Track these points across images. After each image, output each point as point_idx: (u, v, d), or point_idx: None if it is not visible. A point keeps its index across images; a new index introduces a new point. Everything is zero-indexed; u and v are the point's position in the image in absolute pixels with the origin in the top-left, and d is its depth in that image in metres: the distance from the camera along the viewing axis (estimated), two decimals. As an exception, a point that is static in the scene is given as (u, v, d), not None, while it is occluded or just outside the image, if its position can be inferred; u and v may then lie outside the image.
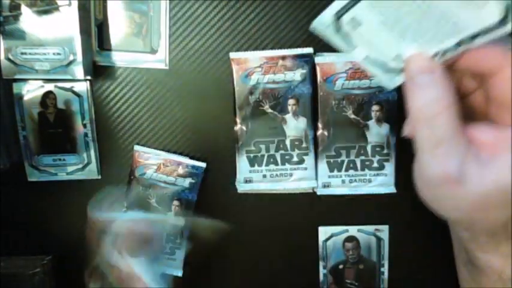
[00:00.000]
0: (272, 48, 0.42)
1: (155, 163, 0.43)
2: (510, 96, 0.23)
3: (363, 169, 0.43)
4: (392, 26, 0.24)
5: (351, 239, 0.45)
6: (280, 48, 0.42)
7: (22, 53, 0.39)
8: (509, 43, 0.23)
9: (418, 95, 0.24)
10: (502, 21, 0.23)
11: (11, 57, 0.40)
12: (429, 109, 0.23)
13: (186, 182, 0.43)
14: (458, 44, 0.23)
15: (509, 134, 0.23)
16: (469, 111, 0.27)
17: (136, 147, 0.44)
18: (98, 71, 0.42)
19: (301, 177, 0.44)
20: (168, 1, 0.41)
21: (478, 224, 0.26)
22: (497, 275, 0.27)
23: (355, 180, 0.44)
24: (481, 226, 0.26)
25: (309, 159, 0.43)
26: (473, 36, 0.23)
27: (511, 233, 0.25)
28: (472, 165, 0.23)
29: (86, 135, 0.43)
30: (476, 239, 0.27)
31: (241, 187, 0.44)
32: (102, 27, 0.42)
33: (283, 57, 0.42)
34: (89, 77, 0.41)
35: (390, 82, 0.26)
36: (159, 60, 0.42)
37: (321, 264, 0.46)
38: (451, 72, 0.25)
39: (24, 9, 0.39)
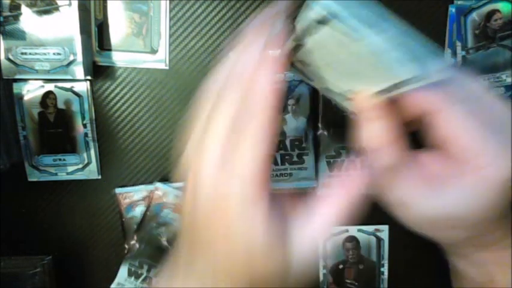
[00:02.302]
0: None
1: (173, 202, 0.44)
2: (444, 139, 0.23)
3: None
4: (336, 67, 0.25)
5: (350, 239, 0.45)
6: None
7: (22, 53, 0.39)
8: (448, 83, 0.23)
9: (365, 128, 0.25)
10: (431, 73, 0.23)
11: (11, 57, 0.40)
12: (374, 141, 0.24)
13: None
14: (397, 86, 0.23)
15: (450, 169, 0.23)
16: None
17: (158, 185, 0.44)
18: (98, 71, 0.43)
19: (301, 177, 0.44)
20: (168, 1, 0.41)
21: (441, 241, 0.27)
22: (471, 280, 0.28)
23: (355, 180, 0.44)
24: (445, 243, 0.27)
25: (309, 159, 0.43)
26: (407, 81, 0.23)
27: (477, 245, 0.26)
28: (419, 192, 0.24)
29: (86, 135, 0.43)
30: (448, 247, 0.28)
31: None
32: (102, 27, 0.42)
33: None
34: (89, 77, 0.41)
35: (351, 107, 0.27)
36: (159, 60, 0.42)
37: (321, 264, 0.46)
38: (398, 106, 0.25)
39: (24, 9, 0.39)
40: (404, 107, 0.24)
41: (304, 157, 0.43)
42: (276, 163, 0.44)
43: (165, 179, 0.44)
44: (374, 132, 0.24)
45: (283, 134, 0.43)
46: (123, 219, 0.45)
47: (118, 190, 0.44)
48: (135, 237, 0.45)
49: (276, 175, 0.44)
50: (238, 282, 0.21)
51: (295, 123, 0.43)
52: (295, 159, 0.44)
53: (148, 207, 0.44)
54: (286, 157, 0.44)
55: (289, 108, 0.42)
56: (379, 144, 0.24)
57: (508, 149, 0.21)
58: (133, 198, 0.44)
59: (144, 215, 0.44)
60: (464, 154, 0.23)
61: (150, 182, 0.44)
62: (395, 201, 0.26)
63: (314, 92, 0.42)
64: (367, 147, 0.25)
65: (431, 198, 0.24)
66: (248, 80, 0.22)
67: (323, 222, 0.23)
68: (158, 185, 0.44)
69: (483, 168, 0.22)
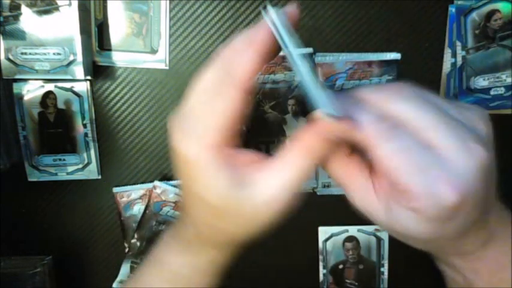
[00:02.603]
0: (272, 48, 0.42)
1: (173, 200, 0.44)
2: (385, 170, 0.23)
3: (363, 169, 0.43)
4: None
5: (350, 239, 0.45)
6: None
7: (22, 53, 0.39)
8: None
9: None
10: None
11: (11, 57, 0.40)
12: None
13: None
14: None
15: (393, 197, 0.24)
16: None
17: (156, 183, 0.44)
18: (98, 71, 0.43)
19: (301, 177, 0.44)
20: (168, 1, 0.41)
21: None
22: (457, 284, 0.28)
23: (355, 180, 0.44)
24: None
25: (309, 159, 0.43)
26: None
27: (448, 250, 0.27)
28: (377, 206, 0.26)
29: (86, 135, 0.43)
30: (430, 252, 0.29)
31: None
32: (102, 27, 0.42)
33: (283, 58, 0.42)
34: (89, 77, 0.41)
35: None
36: (159, 60, 0.42)
37: (321, 264, 0.46)
38: None
39: (24, 9, 0.39)
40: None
41: (304, 157, 0.43)
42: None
43: (165, 179, 0.44)
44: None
45: (283, 133, 0.43)
46: (122, 218, 0.45)
47: (115, 189, 0.44)
48: (136, 236, 0.45)
49: (276, 175, 0.44)
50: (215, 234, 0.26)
51: (295, 123, 0.43)
52: (295, 159, 0.44)
53: (147, 206, 0.44)
54: (286, 157, 0.44)
55: (289, 108, 0.42)
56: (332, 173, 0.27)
57: (435, 186, 0.21)
58: (131, 197, 0.44)
59: (144, 213, 0.44)
60: (396, 187, 0.23)
61: (150, 182, 0.44)
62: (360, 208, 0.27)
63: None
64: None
65: (384, 214, 0.25)
66: (229, 55, 0.23)
67: (289, 170, 0.24)
68: (156, 183, 0.44)
69: (412, 202, 0.22)
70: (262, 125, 0.43)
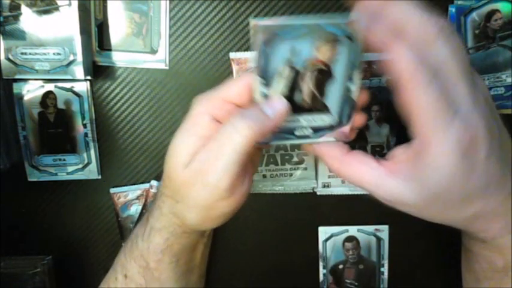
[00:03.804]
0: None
1: None
2: (409, 106, 0.24)
3: (363, 169, 0.43)
4: None
5: (350, 239, 0.45)
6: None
7: (22, 53, 0.39)
8: None
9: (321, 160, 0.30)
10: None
11: (11, 57, 0.40)
12: (333, 169, 0.29)
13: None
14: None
15: (416, 148, 0.25)
16: None
17: (153, 183, 0.44)
18: (98, 71, 0.43)
19: (301, 177, 0.44)
20: (168, 1, 0.41)
21: (451, 223, 0.28)
22: (488, 264, 0.28)
23: (355, 180, 0.44)
24: (455, 224, 0.28)
25: (309, 159, 0.43)
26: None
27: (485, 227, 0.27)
28: (399, 188, 0.26)
29: (86, 135, 0.43)
30: (464, 231, 0.29)
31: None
32: (102, 27, 0.42)
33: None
34: (89, 77, 0.41)
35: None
36: (159, 60, 0.42)
37: (321, 264, 0.46)
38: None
39: (24, 9, 0.39)
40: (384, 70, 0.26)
41: (304, 157, 0.43)
42: (276, 163, 0.44)
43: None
44: (329, 162, 0.29)
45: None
46: (119, 219, 0.45)
47: (112, 190, 0.44)
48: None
49: (276, 175, 0.44)
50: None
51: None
52: (295, 159, 0.44)
53: (144, 206, 0.44)
54: (286, 157, 0.44)
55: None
56: (334, 168, 0.29)
57: (457, 124, 0.23)
58: (128, 197, 0.44)
59: (141, 213, 0.44)
60: (418, 119, 0.24)
61: (149, 182, 0.44)
62: (387, 202, 0.27)
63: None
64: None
65: (411, 186, 0.25)
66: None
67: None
68: (153, 182, 0.44)
69: (433, 143, 0.24)
70: None
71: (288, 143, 0.30)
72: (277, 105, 0.27)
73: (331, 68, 0.27)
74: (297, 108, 0.28)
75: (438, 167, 0.24)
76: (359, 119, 0.30)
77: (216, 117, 0.30)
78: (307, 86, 0.28)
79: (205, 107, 0.30)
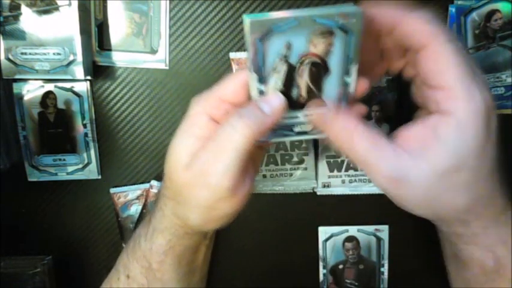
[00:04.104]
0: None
1: None
2: (432, 74, 0.25)
3: (363, 169, 0.43)
4: None
5: (350, 239, 0.45)
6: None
7: (22, 53, 0.39)
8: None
9: (327, 131, 0.28)
10: None
11: (11, 57, 0.40)
12: (339, 139, 0.27)
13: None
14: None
15: (434, 122, 0.25)
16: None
17: (153, 182, 0.44)
18: (98, 71, 0.43)
19: (301, 177, 0.44)
20: (168, 1, 0.41)
21: (444, 215, 0.27)
22: (479, 267, 0.28)
23: (355, 180, 0.44)
24: (448, 216, 0.27)
25: (309, 159, 0.43)
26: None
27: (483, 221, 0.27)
28: (406, 163, 0.25)
29: (86, 135, 0.43)
30: (455, 231, 0.29)
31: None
32: (102, 27, 0.42)
33: None
34: (89, 77, 0.41)
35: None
36: (159, 60, 0.42)
37: (321, 264, 0.46)
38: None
39: (24, 9, 0.39)
40: (398, 37, 0.26)
41: (304, 157, 0.43)
42: (276, 163, 0.44)
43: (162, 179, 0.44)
44: (335, 132, 0.28)
45: None
46: (119, 219, 0.45)
47: (112, 190, 0.44)
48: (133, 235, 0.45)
49: (276, 175, 0.44)
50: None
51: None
52: (295, 159, 0.44)
53: (144, 205, 0.44)
54: (286, 157, 0.44)
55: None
56: (344, 140, 0.27)
57: (482, 92, 0.24)
58: (128, 197, 0.44)
59: (141, 213, 0.44)
60: (443, 91, 0.24)
61: (149, 182, 0.44)
62: (389, 183, 0.26)
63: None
64: (339, 147, 0.28)
65: (420, 163, 0.25)
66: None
67: None
68: (153, 182, 0.44)
69: (459, 110, 0.24)
70: None
71: (287, 139, 0.30)
72: (274, 102, 0.27)
73: (327, 62, 0.27)
74: (294, 104, 0.28)
75: (461, 135, 0.24)
76: (359, 111, 0.30)
77: (214, 117, 0.30)
78: (303, 81, 0.27)
79: (202, 107, 0.30)
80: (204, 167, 0.28)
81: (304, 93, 0.28)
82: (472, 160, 0.24)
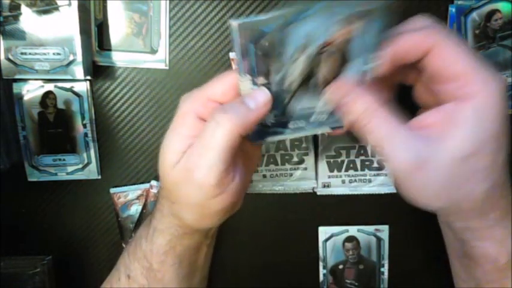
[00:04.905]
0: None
1: None
2: (443, 69, 0.25)
3: (363, 169, 0.43)
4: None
5: (351, 239, 0.45)
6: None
7: (22, 53, 0.39)
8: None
9: (347, 112, 0.27)
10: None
11: (11, 57, 0.39)
12: (359, 120, 0.27)
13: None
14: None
15: (450, 108, 0.25)
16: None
17: (153, 182, 0.44)
18: (98, 71, 0.42)
19: (301, 177, 0.44)
20: (168, 1, 0.41)
21: (462, 205, 0.26)
22: (493, 264, 0.28)
23: (355, 180, 0.44)
24: (466, 206, 0.26)
25: (309, 159, 0.43)
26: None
27: (499, 212, 0.27)
28: (425, 148, 0.25)
29: (86, 135, 0.43)
30: (469, 225, 0.28)
31: (241, 187, 0.44)
32: (102, 27, 0.42)
33: None
34: (89, 77, 0.41)
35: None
36: (159, 60, 0.42)
37: (321, 264, 0.46)
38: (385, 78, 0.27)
39: (24, 9, 0.38)
40: (403, 55, 0.26)
41: (304, 157, 0.43)
42: (276, 163, 0.44)
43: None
44: (356, 113, 0.27)
45: None
46: (119, 219, 0.45)
47: (112, 190, 0.44)
48: (133, 235, 0.45)
49: (276, 175, 0.44)
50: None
51: None
52: (295, 159, 0.44)
53: (144, 205, 0.44)
54: (286, 157, 0.44)
55: None
56: (365, 122, 0.26)
57: (496, 75, 0.24)
58: (128, 197, 0.44)
59: (141, 213, 0.44)
60: (458, 80, 0.25)
61: (149, 182, 0.44)
62: (408, 170, 0.25)
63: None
64: (359, 129, 0.27)
65: (438, 148, 0.25)
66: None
67: None
68: (153, 182, 0.44)
69: (476, 94, 0.24)
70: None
71: (283, 137, 0.30)
72: (259, 97, 0.27)
73: (346, 52, 0.27)
74: (312, 93, 0.28)
75: (480, 119, 0.24)
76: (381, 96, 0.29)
77: (202, 116, 0.30)
78: (323, 70, 0.27)
79: (190, 107, 0.30)
80: (190, 164, 0.28)
81: (322, 84, 0.28)
82: (490, 144, 0.24)
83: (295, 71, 0.27)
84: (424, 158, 0.25)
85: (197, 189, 0.28)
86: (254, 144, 0.31)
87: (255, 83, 0.27)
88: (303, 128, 0.30)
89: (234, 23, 0.25)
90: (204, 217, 0.31)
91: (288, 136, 0.30)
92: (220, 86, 0.30)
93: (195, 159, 0.28)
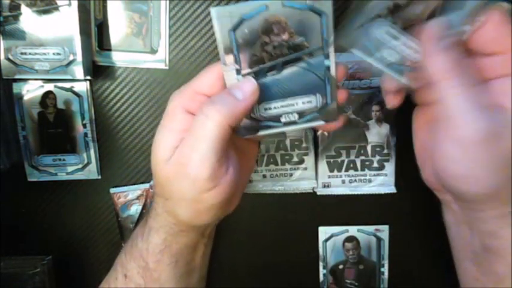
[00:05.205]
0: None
1: None
2: (490, 42, 0.26)
3: (363, 169, 0.43)
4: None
5: (351, 239, 0.45)
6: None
7: (22, 53, 0.39)
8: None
9: (444, 59, 0.26)
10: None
11: (11, 57, 0.39)
12: (441, 76, 0.26)
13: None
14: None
15: (499, 87, 0.26)
16: None
17: (153, 182, 0.44)
18: (98, 71, 0.42)
19: (301, 177, 0.44)
20: (168, 1, 0.41)
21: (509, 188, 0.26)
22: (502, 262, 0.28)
23: (355, 180, 0.44)
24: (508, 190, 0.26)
25: (309, 159, 0.43)
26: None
27: None
28: (499, 122, 0.25)
29: (86, 135, 0.43)
30: (504, 212, 0.28)
31: (241, 187, 0.44)
32: (102, 27, 0.42)
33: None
34: (88, 77, 0.41)
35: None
36: (159, 60, 0.42)
37: (321, 264, 0.46)
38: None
39: (24, 9, 0.38)
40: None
41: (304, 157, 0.43)
42: (276, 163, 0.44)
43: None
44: (451, 60, 0.26)
45: (283, 134, 0.43)
46: (119, 219, 0.45)
47: (112, 190, 0.44)
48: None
49: (276, 175, 0.44)
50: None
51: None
52: (295, 159, 0.44)
53: (144, 205, 0.44)
54: (286, 157, 0.43)
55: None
56: (460, 71, 0.26)
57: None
58: (128, 197, 0.44)
59: (141, 213, 0.44)
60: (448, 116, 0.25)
61: (148, 182, 0.44)
62: (484, 138, 0.25)
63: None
64: (448, 79, 0.26)
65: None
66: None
67: None
68: (153, 182, 0.44)
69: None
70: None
71: (275, 131, 0.30)
72: (246, 87, 0.27)
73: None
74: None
75: None
76: (342, 95, 0.29)
77: (191, 110, 0.30)
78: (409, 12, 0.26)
79: (179, 102, 0.30)
80: (182, 158, 0.28)
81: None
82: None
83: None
84: (496, 132, 0.24)
85: (190, 183, 0.28)
86: (246, 138, 0.31)
87: (239, 73, 0.27)
88: (295, 122, 0.29)
89: (213, 10, 0.25)
90: (199, 213, 0.30)
91: (279, 130, 0.30)
92: (207, 78, 0.30)
93: (186, 153, 0.28)
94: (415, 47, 0.27)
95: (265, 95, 0.29)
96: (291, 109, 0.29)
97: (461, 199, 0.29)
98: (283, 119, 0.29)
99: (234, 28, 0.25)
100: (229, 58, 0.27)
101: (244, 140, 0.32)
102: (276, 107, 0.29)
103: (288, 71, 0.28)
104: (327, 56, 0.27)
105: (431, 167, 0.30)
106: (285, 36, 0.27)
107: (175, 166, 0.29)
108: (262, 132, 0.30)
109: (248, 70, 0.28)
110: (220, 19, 0.25)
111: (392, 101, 0.31)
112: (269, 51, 0.27)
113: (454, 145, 0.26)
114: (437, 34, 0.26)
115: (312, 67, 0.28)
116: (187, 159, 0.28)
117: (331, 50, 0.27)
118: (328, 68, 0.27)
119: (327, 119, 0.30)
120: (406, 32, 0.27)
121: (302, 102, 0.29)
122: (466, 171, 0.26)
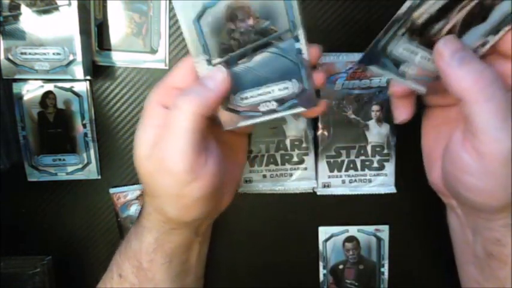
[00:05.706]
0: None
1: None
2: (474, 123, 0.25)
3: (363, 169, 0.43)
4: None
5: (351, 239, 0.45)
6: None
7: (22, 53, 0.39)
8: None
9: (462, 74, 0.25)
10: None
11: (10, 57, 0.39)
12: (481, 82, 0.25)
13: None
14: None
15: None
16: None
17: None
18: (98, 71, 0.42)
19: (301, 177, 0.44)
20: (168, 1, 0.41)
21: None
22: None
23: (355, 180, 0.44)
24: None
25: (309, 159, 0.43)
26: None
27: None
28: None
29: (85, 135, 0.43)
30: (510, 221, 0.28)
31: (241, 187, 0.44)
32: (102, 27, 0.42)
33: None
34: (88, 77, 0.41)
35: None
36: (159, 60, 0.42)
37: (321, 264, 0.46)
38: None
39: (24, 9, 0.38)
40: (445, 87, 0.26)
41: (304, 157, 0.43)
42: (276, 163, 0.44)
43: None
44: (474, 74, 0.25)
45: (283, 134, 0.43)
46: (119, 219, 0.45)
47: (112, 190, 0.44)
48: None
49: (276, 175, 0.44)
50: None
51: (295, 123, 0.43)
52: (295, 159, 0.44)
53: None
54: (286, 157, 0.43)
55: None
56: (486, 84, 0.25)
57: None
58: (128, 197, 0.44)
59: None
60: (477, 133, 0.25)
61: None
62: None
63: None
64: (474, 94, 0.25)
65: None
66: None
67: None
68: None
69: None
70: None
71: (256, 121, 0.29)
72: (216, 75, 0.27)
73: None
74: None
75: None
76: (318, 78, 0.29)
77: (167, 105, 0.30)
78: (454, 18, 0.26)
79: (155, 98, 0.30)
80: (161, 153, 0.28)
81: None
82: None
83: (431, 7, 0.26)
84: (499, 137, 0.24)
85: (170, 177, 0.28)
86: (227, 130, 0.31)
87: (210, 63, 0.27)
88: (275, 110, 0.29)
89: (176, 2, 0.25)
90: (186, 208, 0.30)
91: (260, 120, 0.29)
92: (180, 72, 0.30)
93: (164, 148, 0.28)
94: (433, 58, 0.27)
95: (239, 84, 0.28)
96: (269, 97, 0.28)
97: (470, 207, 0.29)
98: (261, 108, 0.29)
99: (198, 17, 0.25)
100: (198, 49, 0.27)
101: (230, 134, 0.32)
102: (252, 96, 0.28)
103: (259, 57, 0.27)
104: (297, 39, 0.26)
105: (442, 173, 0.30)
106: (250, 22, 0.26)
107: (155, 162, 0.29)
108: (242, 123, 0.30)
109: (218, 60, 0.28)
110: (184, 10, 0.25)
111: (402, 115, 0.31)
112: (237, 38, 0.27)
113: (474, 158, 0.26)
114: (449, 51, 0.26)
115: (283, 51, 0.27)
116: (165, 153, 0.28)
117: (301, 32, 0.26)
118: (300, 51, 0.27)
119: (306, 105, 0.29)
120: (424, 47, 0.27)
121: (278, 89, 0.28)
122: (483, 185, 0.26)
